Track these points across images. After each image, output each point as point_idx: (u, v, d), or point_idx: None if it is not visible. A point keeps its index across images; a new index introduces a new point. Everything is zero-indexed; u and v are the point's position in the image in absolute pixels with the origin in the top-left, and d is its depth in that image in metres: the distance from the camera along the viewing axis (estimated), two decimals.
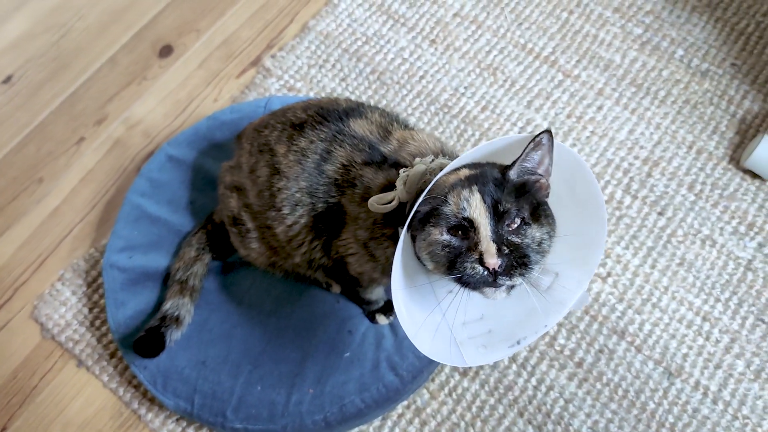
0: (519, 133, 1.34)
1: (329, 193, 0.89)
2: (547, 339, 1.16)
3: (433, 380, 1.14)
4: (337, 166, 0.88)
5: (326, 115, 0.93)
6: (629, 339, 1.16)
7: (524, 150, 0.70)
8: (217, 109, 1.40)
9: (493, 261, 0.67)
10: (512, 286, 0.70)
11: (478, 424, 1.11)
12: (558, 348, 1.16)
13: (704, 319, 1.18)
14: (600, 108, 1.38)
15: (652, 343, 1.16)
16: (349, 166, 0.87)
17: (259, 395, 1.05)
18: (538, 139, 0.70)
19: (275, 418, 1.04)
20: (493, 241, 0.68)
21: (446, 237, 0.71)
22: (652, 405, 1.11)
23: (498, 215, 0.69)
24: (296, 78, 1.43)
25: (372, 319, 1.11)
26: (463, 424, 1.11)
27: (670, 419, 1.10)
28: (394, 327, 1.09)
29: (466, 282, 0.69)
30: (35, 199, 1.32)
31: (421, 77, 1.42)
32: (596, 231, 0.76)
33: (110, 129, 1.40)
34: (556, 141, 0.72)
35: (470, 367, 1.14)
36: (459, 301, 0.73)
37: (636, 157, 1.32)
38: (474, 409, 1.12)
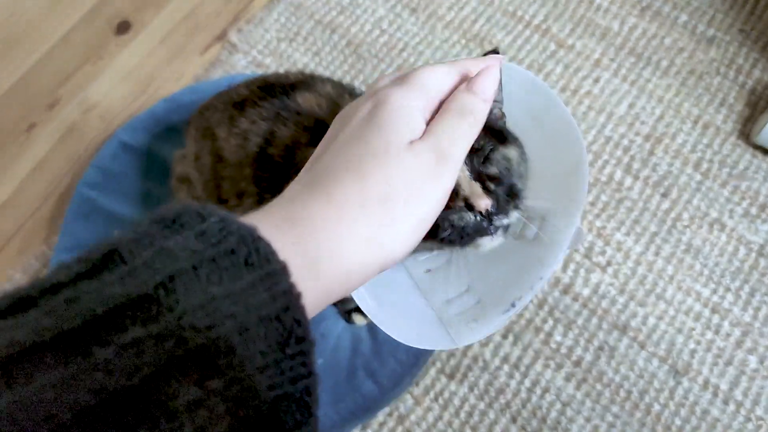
0: None
1: (275, 181, 0.77)
2: (542, 336, 1.06)
3: (417, 384, 1.04)
4: (280, 149, 0.76)
5: (270, 91, 0.81)
6: (632, 334, 1.06)
7: None
8: (180, 89, 1.29)
9: (485, 202, 0.54)
10: (508, 226, 0.58)
11: (468, 431, 1.01)
12: (554, 346, 1.06)
13: (713, 310, 1.08)
14: (597, 80, 1.26)
15: (657, 339, 1.06)
16: (294, 148, 0.76)
17: None
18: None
19: None
20: (475, 180, 0.56)
21: None
22: (657, 407, 1.02)
23: (471, 152, 0.56)
24: (265, 53, 1.31)
25: (348, 319, 1.01)
26: (450, 431, 1.01)
27: (678, 422, 1.01)
28: (373, 329, 0.99)
29: (457, 239, 0.56)
30: None
31: (402, 49, 1.30)
32: (575, 156, 0.64)
33: (64, 114, 1.28)
34: (509, 64, 0.61)
35: (457, 370, 1.04)
36: (441, 276, 0.63)
37: (637, 134, 1.21)
38: (462, 415, 1.02)
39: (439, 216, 0.49)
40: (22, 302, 0.27)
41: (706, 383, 1.03)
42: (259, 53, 1.31)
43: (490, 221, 0.55)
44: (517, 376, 1.04)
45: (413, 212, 0.39)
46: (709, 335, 1.06)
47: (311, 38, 1.32)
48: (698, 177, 1.17)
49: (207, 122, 0.86)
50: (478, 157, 0.58)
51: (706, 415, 1.01)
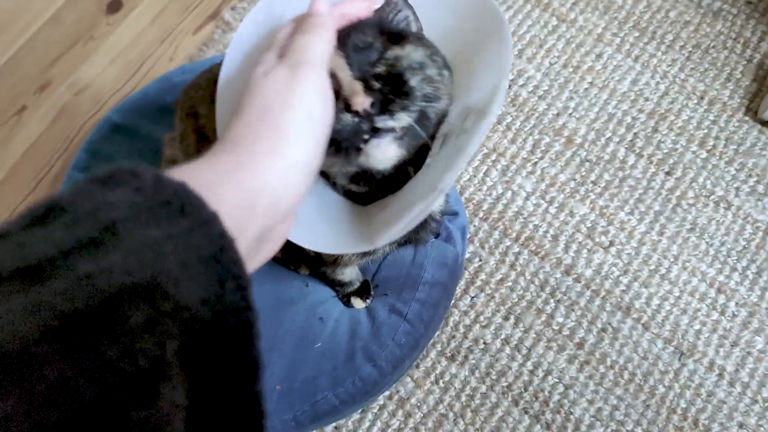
0: (509, 86, 1.20)
1: None
2: (543, 318, 1.04)
3: (417, 367, 1.02)
4: None
5: None
6: (635, 316, 1.04)
7: None
8: (172, 68, 1.26)
9: (360, 99, 0.50)
10: (401, 130, 0.52)
11: (469, 414, 1.00)
12: (556, 327, 1.04)
13: (719, 291, 1.06)
14: (599, 56, 1.23)
15: (661, 320, 1.04)
16: None
17: None
18: None
19: None
20: (357, 78, 0.51)
21: None
22: (662, 389, 1.00)
23: (358, 52, 0.53)
24: None
25: (347, 302, 0.99)
26: (451, 415, 1.00)
27: (683, 404, 0.99)
28: (372, 311, 0.97)
29: (342, 144, 0.52)
30: None
31: None
32: (490, 21, 0.60)
33: (55, 96, 1.25)
34: None
35: (458, 352, 1.02)
36: None
37: (640, 111, 1.18)
38: (463, 398, 1.00)
39: None
40: None
41: (711, 365, 1.01)
42: None
43: (371, 122, 0.51)
44: (519, 358, 1.02)
45: (292, 117, 0.43)
46: (715, 316, 1.04)
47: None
48: (704, 154, 1.15)
49: (191, 101, 0.83)
50: (364, 55, 0.54)
51: (712, 397, 0.99)
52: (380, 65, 0.54)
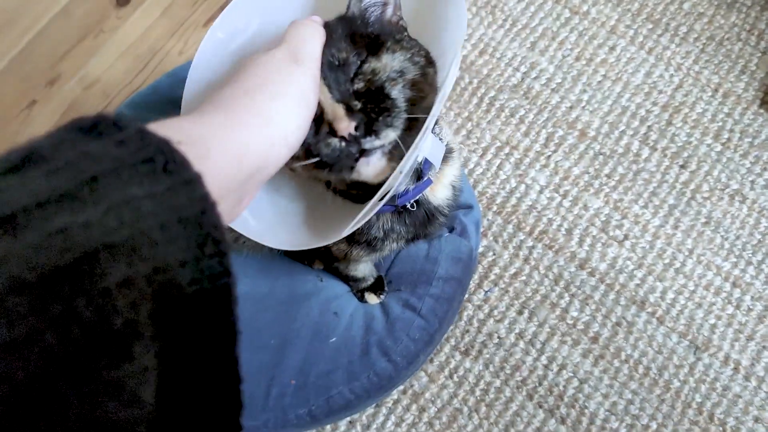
0: (522, 79, 1.19)
1: None
2: (557, 312, 1.04)
3: (431, 361, 1.02)
4: None
5: None
6: (650, 310, 1.04)
7: None
8: (183, 63, 1.25)
9: (344, 125, 0.50)
10: (389, 145, 0.52)
11: (483, 409, 0.99)
12: (570, 322, 1.03)
13: (734, 284, 1.05)
14: (613, 48, 1.22)
15: (676, 314, 1.04)
16: None
17: None
18: None
19: (255, 413, 0.92)
20: (338, 101, 0.52)
21: None
22: (677, 383, 1.00)
23: (334, 70, 0.53)
24: None
25: (361, 298, 0.99)
26: (466, 409, 0.99)
27: (698, 398, 0.99)
28: (386, 307, 0.97)
29: (334, 167, 0.53)
30: None
31: None
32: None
33: (64, 90, 1.25)
34: None
35: (472, 346, 1.02)
36: None
37: (654, 103, 1.17)
38: (478, 393, 1.00)
39: (310, 141, 0.51)
40: None
41: (726, 359, 1.01)
42: None
43: (358, 144, 0.51)
44: (533, 352, 1.02)
45: (290, 92, 0.45)
46: (730, 310, 1.04)
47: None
48: (718, 147, 1.14)
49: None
50: (344, 73, 0.53)
51: (727, 392, 0.99)
52: (359, 81, 0.53)
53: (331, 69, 0.53)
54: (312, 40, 0.51)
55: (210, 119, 0.41)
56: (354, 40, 0.55)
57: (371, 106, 0.52)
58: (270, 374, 0.94)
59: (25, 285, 0.25)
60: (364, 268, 0.94)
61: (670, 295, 1.05)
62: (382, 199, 0.53)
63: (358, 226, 0.54)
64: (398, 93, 0.53)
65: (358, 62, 0.54)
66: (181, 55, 1.27)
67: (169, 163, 0.31)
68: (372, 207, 0.54)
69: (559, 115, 1.16)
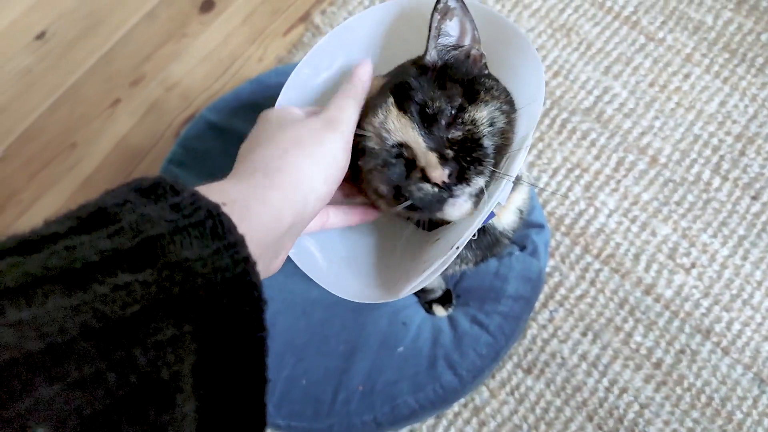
0: (595, 102, 1.20)
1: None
2: (621, 336, 1.04)
3: (493, 377, 1.03)
4: None
5: None
6: (715, 339, 1.04)
7: (430, 24, 0.58)
8: (262, 70, 1.29)
9: (438, 173, 0.53)
10: (478, 193, 0.55)
11: (542, 427, 1.00)
12: (633, 346, 1.04)
13: None
14: (687, 76, 1.22)
15: (742, 345, 1.03)
16: None
17: (303, 391, 0.96)
18: (442, 5, 0.57)
19: (321, 417, 0.95)
20: (431, 149, 0.54)
21: (381, 171, 0.58)
22: (739, 415, 1.00)
23: (428, 119, 0.56)
24: None
25: (429, 309, 1.01)
26: (525, 426, 1.01)
27: (760, 431, 0.98)
28: (454, 321, 0.99)
29: (422, 208, 0.57)
30: (68, 166, 1.24)
31: None
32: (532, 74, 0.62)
33: (146, 91, 1.30)
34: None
35: (534, 365, 1.03)
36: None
37: (727, 133, 1.17)
38: (538, 411, 1.01)
39: (402, 186, 0.55)
40: (27, 245, 0.31)
41: None
42: None
43: (450, 191, 0.54)
44: (595, 374, 1.03)
45: (321, 152, 0.50)
46: None
47: None
48: None
49: None
50: (439, 122, 0.56)
51: None
52: (457, 130, 0.56)
53: (423, 117, 0.56)
54: (348, 110, 0.56)
55: (249, 181, 0.45)
56: (444, 86, 0.58)
57: (463, 154, 0.54)
58: (337, 380, 0.97)
59: (93, 331, 0.28)
60: (432, 280, 0.96)
61: (737, 326, 1.04)
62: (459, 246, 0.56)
63: (434, 276, 0.57)
64: (489, 142, 0.56)
65: (453, 111, 0.57)
66: (260, 62, 1.31)
67: (217, 227, 0.35)
68: (450, 256, 0.56)
69: (630, 140, 1.17)
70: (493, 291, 0.99)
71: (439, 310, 1.00)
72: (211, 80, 1.30)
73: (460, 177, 0.54)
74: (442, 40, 0.59)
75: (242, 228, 0.36)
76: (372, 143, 0.58)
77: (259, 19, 1.35)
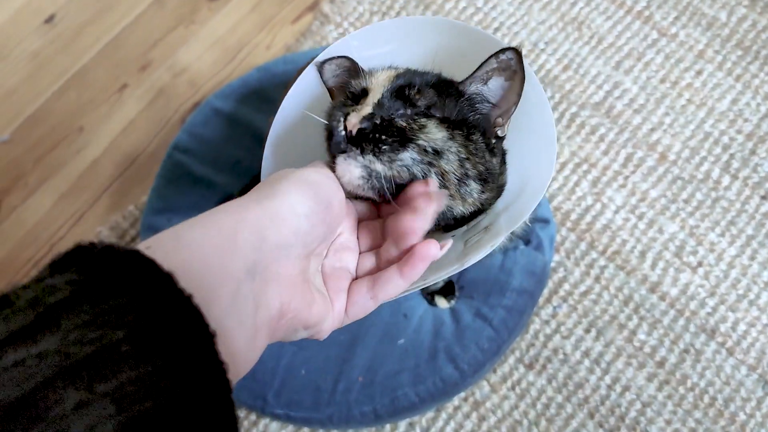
0: (604, 97, 1.19)
1: None
2: (625, 333, 1.03)
3: (494, 371, 1.03)
4: None
5: None
6: (720, 339, 1.03)
7: (482, 66, 0.56)
8: (270, 58, 1.29)
9: (354, 120, 0.52)
10: (370, 174, 0.52)
11: (543, 423, 1.00)
12: (637, 344, 1.03)
13: None
14: (699, 73, 1.20)
15: (747, 346, 1.02)
16: None
17: (303, 380, 0.96)
18: (504, 59, 0.55)
19: (320, 407, 0.95)
20: (373, 108, 0.53)
21: (341, 97, 0.60)
22: (743, 416, 0.99)
23: (402, 96, 0.55)
24: (356, 26, 1.29)
25: (431, 301, 1.00)
26: (526, 422, 1.00)
27: None
28: (456, 313, 0.98)
29: (329, 145, 0.56)
30: (75, 149, 1.24)
31: (496, 29, 1.27)
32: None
33: (154, 76, 1.29)
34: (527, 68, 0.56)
35: (536, 360, 1.03)
36: None
37: (738, 131, 1.16)
38: (539, 407, 1.01)
39: (332, 112, 0.55)
40: None
41: None
42: (351, 25, 1.29)
43: (347, 145, 0.52)
44: (598, 371, 1.02)
45: (286, 178, 0.46)
46: None
47: (404, 13, 1.29)
48: None
49: None
50: (405, 105, 0.55)
51: None
52: (403, 120, 0.54)
53: (399, 92, 0.55)
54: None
55: (196, 220, 0.40)
56: (444, 98, 0.57)
57: (386, 135, 0.52)
58: (338, 369, 0.96)
59: None
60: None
61: (742, 327, 1.03)
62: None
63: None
64: (414, 153, 0.52)
65: (421, 108, 0.55)
66: (268, 50, 1.30)
67: (133, 275, 0.31)
68: (443, 275, 0.55)
69: (639, 136, 1.16)
70: (498, 284, 0.98)
71: (441, 302, 0.99)
72: (219, 67, 1.30)
73: (359, 139, 0.52)
74: (480, 84, 0.58)
75: (169, 263, 0.32)
76: (355, 81, 0.59)
77: (267, 6, 1.34)
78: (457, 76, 0.60)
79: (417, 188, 0.51)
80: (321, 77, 0.64)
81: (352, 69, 0.63)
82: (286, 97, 0.64)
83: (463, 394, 1.01)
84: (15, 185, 1.21)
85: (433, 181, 0.53)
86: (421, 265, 0.48)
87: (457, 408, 1.01)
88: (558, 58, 1.23)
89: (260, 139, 1.05)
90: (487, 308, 0.96)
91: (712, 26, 1.24)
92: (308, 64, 0.66)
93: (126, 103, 1.27)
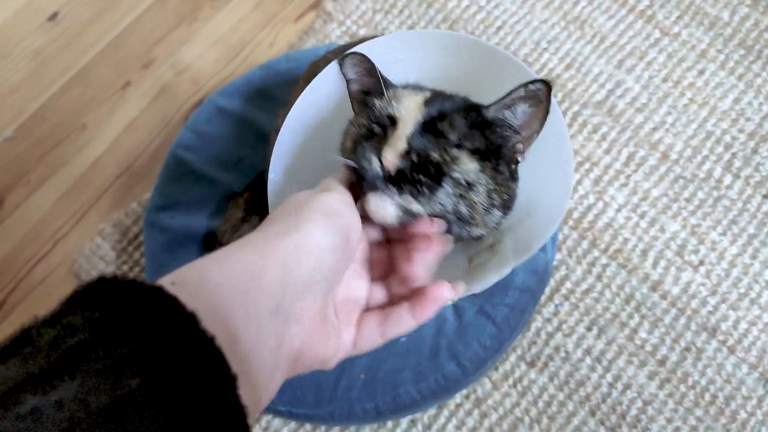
0: (606, 96, 1.19)
1: None
2: (626, 332, 1.04)
3: (496, 369, 1.03)
4: None
5: None
6: (721, 338, 1.03)
7: (510, 93, 0.56)
8: (273, 56, 1.29)
9: (391, 158, 0.51)
10: (405, 212, 0.52)
11: (545, 420, 1.00)
12: (638, 342, 1.03)
13: None
14: (702, 72, 1.21)
15: (748, 345, 1.02)
16: None
17: (305, 377, 0.96)
18: (533, 89, 0.55)
19: (322, 403, 0.95)
20: (408, 142, 0.53)
21: (365, 120, 0.58)
22: (743, 414, 0.99)
23: (432, 129, 0.55)
24: (359, 24, 1.30)
25: None
26: (527, 419, 1.00)
27: (764, 431, 0.98)
28: (459, 310, 0.98)
29: (360, 174, 0.53)
30: (78, 147, 1.24)
31: (499, 28, 1.27)
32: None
33: (157, 74, 1.30)
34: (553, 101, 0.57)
35: (538, 358, 1.03)
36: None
37: (741, 131, 1.16)
38: (540, 404, 1.01)
39: (363, 142, 0.54)
40: None
41: None
42: (354, 23, 1.29)
43: (384, 182, 0.51)
44: (599, 369, 1.02)
45: (309, 208, 0.45)
46: None
47: (407, 11, 1.30)
48: None
49: (316, 71, 0.86)
50: (437, 139, 0.54)
51: None
52: (438, 153, 0.54)
53: (430, 124, 0.55)
54: (334, 184, 0.51)
55: (225, 252, 0.40)
56: (473, 128, 0.57)
57: (425, 172, 0.52)
58: (340, 366, 0.95)
59: None
60: None
61: (743, 325, 1.04)
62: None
63: None
64: (449, 189, 0.53)
65: (455, 142, 0.55)
66: (271, 48, 1.30)
67: (156, 315, 0.30)
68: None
69: (641, 135, 1.16)
70: (501, 282, 0.97)
71: None
72: (222, 65, 1.30)
73: (398, 180, 0.52)
74: (507, 111, 0.58)
75: (194, 304, 0.31)
76: (379, 102, 0.58)
77: (270, 4, 1.34)
78: (474, 93, 0.61)
79: (420, 227, 0.52)
80: (341, 69, 0.65)
81: (371, 70, 0.63)
82: (300, 97, 0.64)
83: (464, 392, 1.02)
84: (18, 182, 1.21)
85: (439, 224, 0.53)
86: (433, 308, 0.48)
87: (458, 405, 1.02)
88: (560, 57, 1.23)
89: (263, 137, 1.05)
90: (490, 306, 0.96)
91: (715, 25, 1.24)
92: (314, 61, 0.67)
93: (129, 100, 1.28)
